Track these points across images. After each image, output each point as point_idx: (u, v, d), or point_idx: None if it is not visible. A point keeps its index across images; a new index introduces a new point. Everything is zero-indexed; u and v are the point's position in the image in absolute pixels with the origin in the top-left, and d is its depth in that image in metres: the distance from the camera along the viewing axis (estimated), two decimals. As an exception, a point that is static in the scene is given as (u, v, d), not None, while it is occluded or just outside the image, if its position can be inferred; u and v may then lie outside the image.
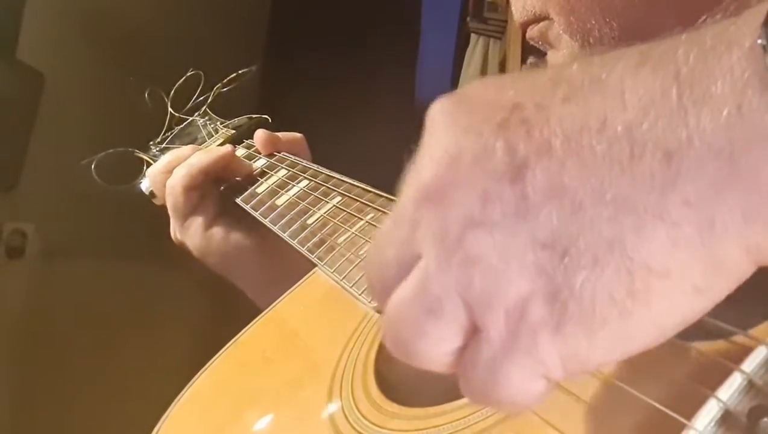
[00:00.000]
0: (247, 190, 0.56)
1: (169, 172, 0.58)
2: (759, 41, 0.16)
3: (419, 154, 0.20)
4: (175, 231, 0.58)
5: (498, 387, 0.18)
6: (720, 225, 0.16)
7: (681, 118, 0.16)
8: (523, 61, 1.50)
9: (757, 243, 0.16)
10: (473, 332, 0.18)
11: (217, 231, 0.57)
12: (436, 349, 0.19)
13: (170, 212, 0.57)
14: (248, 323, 0.43)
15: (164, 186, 0.57)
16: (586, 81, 0.18)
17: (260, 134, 0.61)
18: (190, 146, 0.62)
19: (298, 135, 0.62)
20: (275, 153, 0.60)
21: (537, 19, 0.36)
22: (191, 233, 0.57)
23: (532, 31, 0.37)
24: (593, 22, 0.32)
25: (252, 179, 0.57)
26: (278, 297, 0.44)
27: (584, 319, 0.17)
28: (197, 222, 0.57)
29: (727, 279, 0.17)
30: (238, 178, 0.58)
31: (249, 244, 0.57)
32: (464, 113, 0.19)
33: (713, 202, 0.16)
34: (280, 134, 0.61)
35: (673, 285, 0.17)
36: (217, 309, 1.22)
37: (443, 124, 0.19)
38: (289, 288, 0.45)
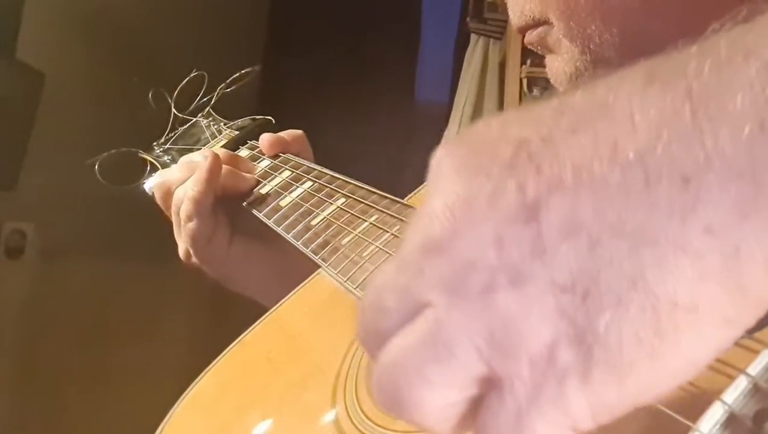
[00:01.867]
0: (251, 192, 0.56)
1: (170, 193, 0.56)
2: None
3: (427, 201, 0.19)
4: (190, 257, 0.56)
5: None
6: (746, 252, 0.15)
7: (697, 138, 0.15)
8: (523, 61, 1.50)
9: None
10: (485, 384, 0.17)
11: (237, 251, 0.55)
12: (439, 399, 0.18)
13: (187, 240, 0.55)
14: (248, 324, 0.43)
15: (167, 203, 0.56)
16: (593, 107, 0.17)
17: (265, 138, 0.59)
18: (180, 168, 0.58)
19: (299, 132, 0.62)
20: (279, 154, 0.60)
21: (536, 24, 0.35)
22: (217, 259, 0.55)
23: (531, 36, 0.36)
24: (593, 27, 0.31)
25: (255, 181, 0.57)
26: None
27: (612, 364, 0.16)
28: (218, 247, 0.55)
29: (757, 305, 0.16)
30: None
31: (270, 260, 0.56)
32: (471, 155, 0.18)
33: (737, 228, 0.15)
34: (283, 134, 0.61)
35: (702, 319, 0.16)
36: (217, 309, 1.22)
37: (450, 168, 0.18)
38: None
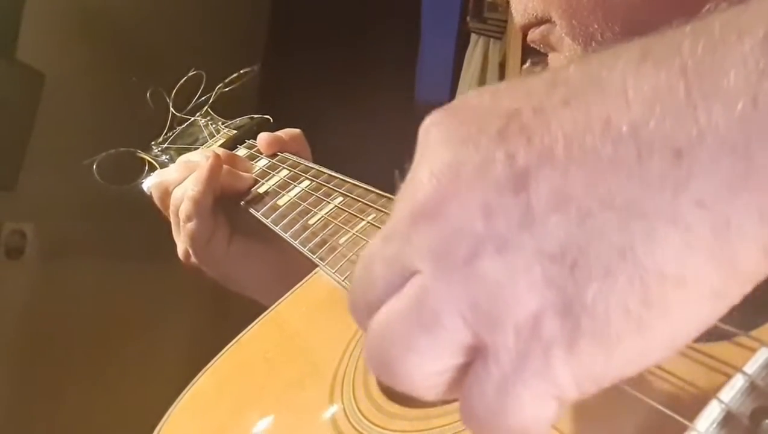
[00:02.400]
0: (249, 192, 0.56)
1: (168, 193, 0.56)
2: None
3: (413, 170, 0.19)
4: (189, 257, 0.56)
5: (507, 412, 0.17)
6: (735, 225, 0.15)
7: (690, 113, 0.15)
8: (523, 61, 1.50)
9: None
10: (472, 352, 0.17)
11: (236, 250, 0.55)
12: (427, 367, 0.18)
13: (186, 240, 0.54)
14: (248, 323, 0.43)
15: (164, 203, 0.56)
16: (586, 81, 0.17)
17: (263, 137, 0.59)
18: (178, 167, 0.58)
19: (297, 131, 0.61)
20: (277, 153, 0.59)
21: (538, 22, 0.35)
22: (216, 259, 0.55)
23: (534, 34, 0.36)
24: (596, 25, 0.31)
25: (253, 181, 0.57)
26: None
27: (599, 336, 0.16)
28: (218, 247, 0.54)
29: (745, 280, 0.16)
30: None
31: (269, 259, 0.56)
32: (460, 124, 0.18)
33: (728, 202, 0.15)
34: (281, 133, 0.61)
35: (690, 291, 0.16)
36: (216, 309, 1.22)
37: (439, 137, 0.18)
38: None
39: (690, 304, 0.16)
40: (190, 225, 0.53)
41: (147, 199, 0.63)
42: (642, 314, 0.16)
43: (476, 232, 0.17)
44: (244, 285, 0.57)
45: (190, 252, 0.55)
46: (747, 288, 0.17)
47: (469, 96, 0.19)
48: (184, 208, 0.53)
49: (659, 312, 0.16)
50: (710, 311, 0.17)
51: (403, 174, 0.20)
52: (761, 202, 0.15)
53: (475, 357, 0.17)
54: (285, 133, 0.60)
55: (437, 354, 0.17)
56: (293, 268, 0.48)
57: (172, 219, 0.56)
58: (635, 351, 0.16)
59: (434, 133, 0.19)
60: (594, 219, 0.16)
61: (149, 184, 0.61)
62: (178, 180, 0.56)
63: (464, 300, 0.17)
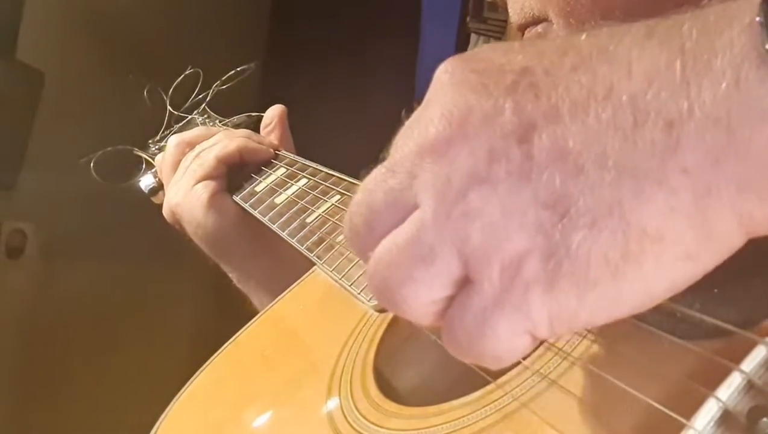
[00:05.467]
0: (245, 187, 0.56)
1: (191, 145, 0.58)
2: (757, 18, 0.16)
3: (422, 109, 0.20)
4: (175, 195, 0.56)
5: (483, 339, 0.19)
6: (715, 193, 0.17)
7: (683, 89, 0.17)
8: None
9: (749, 213, 0.17)
10: (463, 283, 0.19)
11: (221, 201, 0.56)
12: (422, 296, 0.19)
13: (181, 176, 0.56)
14: (246, 322, 0.43)
15: (181, 155, 0.58)
16: (595, 51, 0.18)
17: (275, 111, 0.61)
18: (214, 128, 0.61)
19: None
20: (277, 152, 0.59)
21: (536, 21, 0.35)
22: (196, 196, 0.55)
23: (531, 33, 0.36)
24: (593, 24, 0.32)
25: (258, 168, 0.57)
26: (266, 282, 0.43)
27: (577, 278, 0.17)
28: (208, 186, 0.55)
29: (719, 247, 0.18)
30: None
31: (246, 222, 0.56)
32: (474, 73, 0.19)
33: (710, 171, 0.17)
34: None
35: (666, 250, 0.17)
36: (216, 308, 1.22)
37: (452, 81, 0.20)
38: (277, 269, 0.44)
39: (663, 262, 0.17)
40: (207, 158, 0.55)
41: (147, 198, 0.63)
42: (619, 264, 0.17)
43: (478, 173, 0.18)
44: (226, 255, 0.57)
45: (174, 190, 0.56)
46: (719, 256, 0.18)
47: (484, 49, 0.21)
48: (213, 148, 0.55)
49: (634, 265, 0.17)
50: (682, 272, 0.18)
51: (410, 112, 0.21)
52: (739, 174, 0.16)
53: (462, 289, 0.19)
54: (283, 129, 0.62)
55: (432, 285, 0.19)
56: (275, 255, 0.50)
57: (178, 168, 0.57)
58: (607, 298, 0.18)
59: (448, 78, 0.20)
60: (588, 174, 0.17)
61: (147, 182, 0.61)
62: (201, 137, 0.58)
63: (459, 235, 0.18)
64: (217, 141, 0.57)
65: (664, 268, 0.18)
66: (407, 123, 0.21)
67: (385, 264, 0.20)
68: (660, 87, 0.17)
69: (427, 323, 0.20)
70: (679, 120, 0.17)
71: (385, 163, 0.21)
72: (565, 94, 0.18)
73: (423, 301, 0.19)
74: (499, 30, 1.75)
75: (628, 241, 0.17)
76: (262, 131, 0.62)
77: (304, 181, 0.52)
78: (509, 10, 0.37)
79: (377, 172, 0.21)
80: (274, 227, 0.49)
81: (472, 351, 0.19)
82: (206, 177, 0.55)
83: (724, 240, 0.18)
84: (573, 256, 0.17)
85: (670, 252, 0.17)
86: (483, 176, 0.18)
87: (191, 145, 0.58)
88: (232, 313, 0.50)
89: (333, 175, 0.51)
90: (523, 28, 0.37)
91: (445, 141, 0.19)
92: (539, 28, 0.35)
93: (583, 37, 0.19)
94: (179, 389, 0.40)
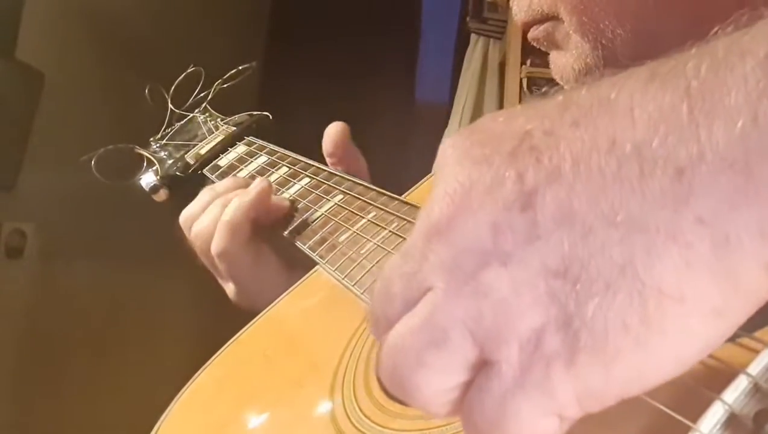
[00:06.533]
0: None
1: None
2: None
3: (432, 190, 0.19)
4: (241, 294, 0.49)
5: (507, 424, 0.17)
6: (735, 241, 0.15)
7: (692, 132, 0.16)
8: (523, 61, 1.50)
9: None
10: (479, 367, 0.18)
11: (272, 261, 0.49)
12: (436, 383, 0.18)
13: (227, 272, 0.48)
14: (248, 322, 0.43)
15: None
16: (595, 102, 0.18)
17: (336, 129, 0.52)
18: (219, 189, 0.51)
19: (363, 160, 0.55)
20: (276, 150, 0.59)
21: (543, 19, 0.35)
22: (267, 273, 0.49)
23: (537, 31, 0.35)
24: (607, 22, 0.31)
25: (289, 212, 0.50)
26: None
27: (597, 350, 0.16)
28: (271, 261, 0.49)
29: (747, 299, 0.16)
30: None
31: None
32: (475, 146, 0.19)
33: (728, 218, 0.15)
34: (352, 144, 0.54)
35: (689, 309, 0.16)
36: (217, 308, 1.21)
37: (455, 157, 0.19)
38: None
39: (690, 323, 0.16)
40: (241, 238, 0.47)
41: (147, 199, 0.63)
42: (640, 331, 0.16)
43: (484, 249, 0.17)
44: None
45: (235, 287, 0.49)
46: (751, 307, 0.17)
47: (485, 118, 0.20)
48: (219, 233, 0.47)
49: (657, 330, 0.16)
50: (713, 330, 0.17)
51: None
52: (761, 218, 0.15)
53: (479, 373, 0.18)
54: (355, 149, 0.54)
55: (446, 370, 0.18)
56: None
57: (204, 259, 0.49)
58: (634, 369, 0.17)
59: (451, 154, 0.19)
60: (596, 234, 0.16)
61: (147, 180, 0.61)
62: (200, 209, 0.50)
63: (471, 315, 0.17)
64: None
65: (692, 329, 0.16)
66: (422, 207, 0.20)
67: (396, 350, 0.19)
68: (666, 132, 0.16)
69: (442, 414, 0.19)
70: (689, 166, 0.16)
71: (401, 249, 0.20)
72: (567, 152, 0.17)
73: (437, 389, 0.18)
74: (499, 30, 1.75)
75: (645, 304, 0.16)
76: (329, 162, 0.54)
77: (306, 180, 0.52)
78: (514, 7, 0.37)
79: (394, 260, 0.20)
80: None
81: None
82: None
83: (752, 291, 0.16)
84: (590, 326, 0.16)
85: (695, 312, 0.16)
86: (489, 251, 0.17)
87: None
88: (232, 313, 0.50)
89: (335, 174, 0.51)
90: (528, 25, 0.36)
91: (450, 219, 0.18)
92: (548, 26, 0.35)
93: (584, 90, 0.18)
94: (179, 388, 0.40)
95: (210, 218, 0.48)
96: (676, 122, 0.16)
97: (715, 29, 0.18)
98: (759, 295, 0.16)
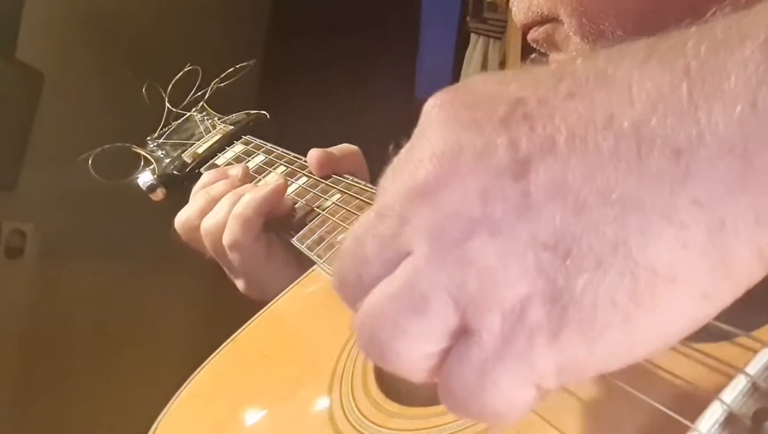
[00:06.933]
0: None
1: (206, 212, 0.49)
2: None
3: (411, 148, 0.19)
4: (253, 287, 0.50)
5: (485, 393, 0.17)
6: (731, 226, 0.15)
7: (691, 114, 0.15)
8: (523, 61, 1.50)
9: None
10: (459, 335, 0.17)
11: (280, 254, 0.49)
12: (415, 350, 0.18)
13: (242, 258, 0.47)
14: (246, 321, 0.43)
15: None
16: (591, 76, 0.17)
17: (314, 155, 0.51)
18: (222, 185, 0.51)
19: (353, 148, 0.54)
20: (274, 149, 0.59)
21: (543, 21, 0.34)
22: (277, 265, 0.49)
23: (537, 33, 0.35)
24: (607, 24, 0.31)
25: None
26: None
27: (584, 325, 0.16)
28: (279, 254, 0.49)
29: (737, 283, 0.16)
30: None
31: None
32: (464, 108, 0.18)
33: (724, 202, 0.15)
34: (334, 150, 0.52)
35: (679, 290, 0.16)
36: (215, 307, 1.21)
37: (442, 117, 0.18)
38: None
39: (678, 303, 0.16)
40: (254, 232, 0.47)
41: (146, 198, 0.62)
42: (629, 308, 0.16)
43: (473, 216, 0.17)
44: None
45: (246, 280, 0.49)
46: (738, 291, 0.17)
47: (474, 80, 0.19)
48: (232, 228, 0.47)
49: (646, 308, 0.16)
50: (698, 312, 0.17)
51: (398, 149, 0.19)
52: (757, 204, 0.15)
53: (459, 341, 0.17)
54: (338, 149, 0.53)
55: (426, 337, 0.18)
56: None
57: (214, 254, 0.49)
58: (618, 344, 0.16)
59: (437, 114, 0.19)
60: (590, 211, 0.16)
61: (145, 179, 0.61)
62: (198, 210, 0.50)
63: (454, 283, 0.17)
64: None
65: (679, 310, 0.16)
66: (395, 161, 0.19)
67: (374, 316, 0.18)
68: (665, 112, 0.16)
69: (420, 379, 0.19)
70: (688, 147, 0.15)
71: (374, 207, 0.19)
72: (562, 124, 0.17)
73: (416, 355, 0.18)
74: (499, 30, 1.75)
75: (636, 283, 0.16)
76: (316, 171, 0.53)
77: (303, 179, 0.52)
78: (513, 9, 0.36)
79: (365, 218, 0.19)
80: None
81: (472, 407, 0.18)
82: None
83: (742, 276, 0.16)
84: (578, 302, 0.16)
85: (684, 292, 0.16)
86: (478, 218, 0.17)
87: (194, 227, 0.51)
88: (231, 312, 0.50)
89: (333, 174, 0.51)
90: (527, 27, 0.36)
91: (438, 183, 0.17)
92: (547, 27, 0.35)
93: (579, 61, 0.18)
94: (178, 386, 0.40)
95: (222, 212, 0.48)
96: (675, 103, 0.16)
97: (713, 10, 0.18)
98: (748, 280, 0.16)
